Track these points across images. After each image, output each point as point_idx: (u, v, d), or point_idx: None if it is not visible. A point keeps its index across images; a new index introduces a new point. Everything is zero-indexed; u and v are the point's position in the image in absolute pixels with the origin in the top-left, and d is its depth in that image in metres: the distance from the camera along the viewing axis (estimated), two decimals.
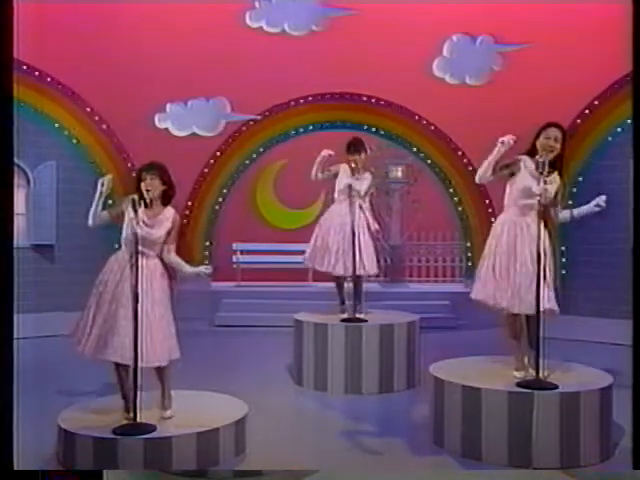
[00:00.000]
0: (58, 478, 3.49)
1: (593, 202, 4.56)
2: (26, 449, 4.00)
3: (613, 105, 8.79)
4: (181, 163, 9.20)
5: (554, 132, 4.58)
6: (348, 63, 10.05)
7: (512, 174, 4.66)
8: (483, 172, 4.65)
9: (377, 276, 7.44)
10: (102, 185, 4.46)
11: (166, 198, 4.50)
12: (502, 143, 4.58)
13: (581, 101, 9.15)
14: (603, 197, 4.51)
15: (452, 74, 10.51)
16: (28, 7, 6.57)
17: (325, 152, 6.39)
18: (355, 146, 6.46)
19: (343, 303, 6.73)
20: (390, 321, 6.36)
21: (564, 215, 4.70)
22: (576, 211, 4.68)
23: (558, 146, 4.56)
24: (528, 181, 4.58)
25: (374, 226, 6.55)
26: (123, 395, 4.37)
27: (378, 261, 6.67)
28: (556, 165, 4.58)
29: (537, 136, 4.63)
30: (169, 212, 4.50)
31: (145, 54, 9.89)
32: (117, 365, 4.32)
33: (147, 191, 4.34)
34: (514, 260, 4.56)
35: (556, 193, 4.62)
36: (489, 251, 4.69)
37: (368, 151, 6.65)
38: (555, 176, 4.60)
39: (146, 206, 4.33)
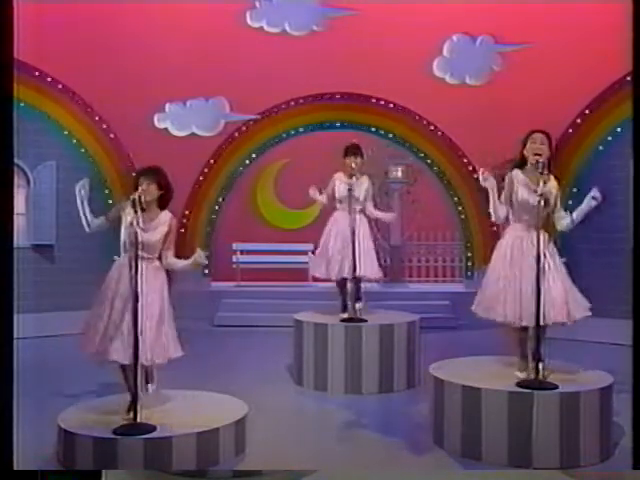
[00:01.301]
0: (58, 478, 3.49)
1: (587, 198, 4.51)
2: (26, 449, 4.01)
3: (613, 105, 8.78)
4: (180, 163, 9.28)
5: (539, 136, 4.59)
6: (348, 63, 10.05)
7: (511, 192, 4.66)
8: (494, 213, 4.69)
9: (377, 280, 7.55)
10: (80, 190, 4.47)
11: (163, 202, 4.49)
12: (484, 180, 4.61)
13: (581, 101, 9.15)
14: (595, 189, 4.48)
15: (452, 74, 10.51)
16: (28, 7, 6.59)
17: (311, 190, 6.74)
18: (352, 150, 6.51)
19: (345, 309, 6.58)
20: (390, 321, 6.36)
21: (566, 222, 4.65)
22: (575, 214, 4.62)
23: (545, 148, 4.55)
24: (524, 194, 4.59)
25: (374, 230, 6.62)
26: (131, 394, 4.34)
27: (380, 265, 6.77)
28: (550, 169, 4.55)
29: (523, 145, 4.64)
30: (166, 216, 4.48)
31: (145, 54, 9.89)
32: (122, 366, 4.33)
33: (144, 196, 4.28)
34: (520, 275, 4.51)
35: (555, 197, 4.60)
36: (494, 267, 4.67)
37: (365, 156, 6.69)
38: (552, 180, 4.59)
39: (143, 210, 4.25)
